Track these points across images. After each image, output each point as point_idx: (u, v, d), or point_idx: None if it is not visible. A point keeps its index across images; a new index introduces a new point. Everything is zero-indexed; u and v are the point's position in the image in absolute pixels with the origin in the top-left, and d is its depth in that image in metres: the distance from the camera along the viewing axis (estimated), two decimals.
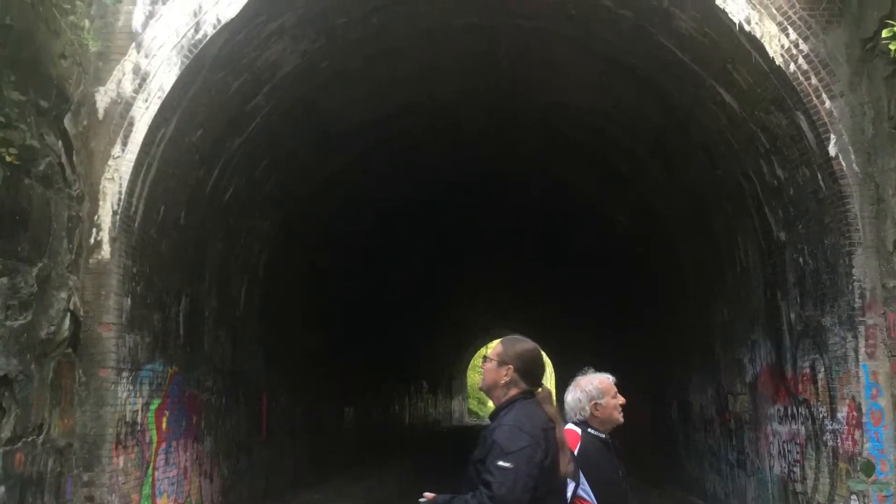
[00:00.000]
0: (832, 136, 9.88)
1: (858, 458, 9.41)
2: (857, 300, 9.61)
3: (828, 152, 9.89)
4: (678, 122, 13.35)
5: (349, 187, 18.17)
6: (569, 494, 4.53)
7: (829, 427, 10.24)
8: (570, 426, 4.90)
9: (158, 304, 11.08)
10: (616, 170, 16.99)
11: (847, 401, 9.74)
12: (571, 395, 5.03)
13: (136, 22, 10.19)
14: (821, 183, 10.16)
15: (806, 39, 10.03)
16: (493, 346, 4.58)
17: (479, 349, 55.64)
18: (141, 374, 10.45)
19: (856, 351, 9.58)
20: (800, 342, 11.20)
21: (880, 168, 9.54)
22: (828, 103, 9.93)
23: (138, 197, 10.22)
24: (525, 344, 4.49)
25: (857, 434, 9.55)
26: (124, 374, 9.96)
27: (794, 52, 10.02)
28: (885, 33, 8.88)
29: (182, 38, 10.19)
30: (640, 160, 15.86)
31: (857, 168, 9.78)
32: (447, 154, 18.51)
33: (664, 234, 17.03)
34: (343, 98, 14.27)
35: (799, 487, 11.21)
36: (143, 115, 10.06)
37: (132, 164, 9.98)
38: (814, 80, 9.97)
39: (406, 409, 36.64)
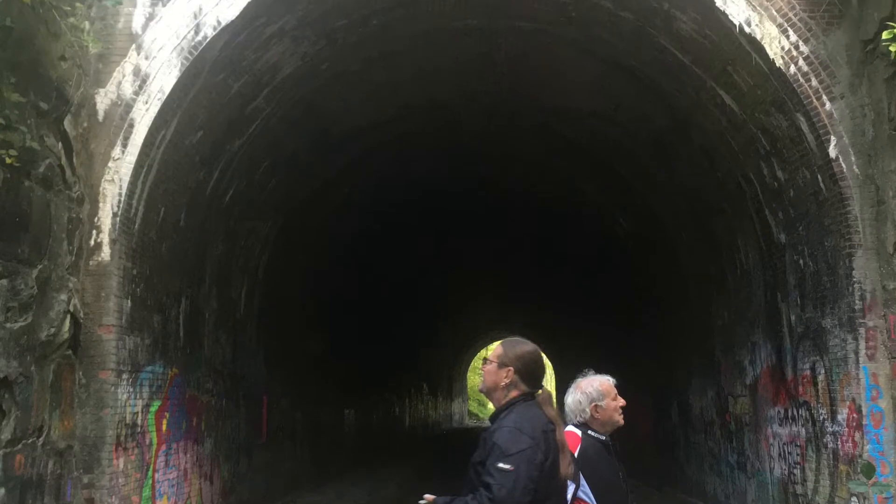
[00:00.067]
0: (832, 137, 9.88)
1: (859, 460, 9.41)
2: (857, 302, 9.62)
3: (828, 154, 9.89)
4: (678, 124, 13.35)
5: (349, 189, 18.18)
6: (569, 496, 4.52)
7: (830, 429, 10.24)
8: (570, 428, 4.90)
9: (158, 306, 11.08)
10: (616, 172, 16.98)
11: (847, 403, 9.74)
12: (571, 397, 5.03)
13: (136, 24, 10.19)
14: (821, 185, 10.16)
15: (806, 41, 10.03)
16: (494, 348, 4.57)
17: (479, 351, 55.65)
18: (141, 376, 10.44)
19: (856, 353, 9.58)
20: (800, 344, 11.19)
21: (881, 170, 9.54)
22: (828, 105, 9.93)
23: (138, 199, 10.22)
24: (525, 346, 4.49)
25: (857, 436, 9.55)
26: (124, 376, 9.95)
27: (795, 53, 10.02)
28: (885, 35, 8.89)
29: (182, 39, 10.19)
30: (640, 162, 15.85)
31: (857, 170, 9.78)
32: (447, 156, 18.51)
33: (664, 236, 17.02)
34: (343, 100, 14.28)
35: (799, 489, 11.20)
36: (144, 117, 10.06)
37: (132, 166, 9.98)
38: (814, 82, 9.98)
39: (406, 411, 36.63)
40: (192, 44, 10.20)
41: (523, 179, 20.13)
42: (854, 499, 9.54)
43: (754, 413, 13.04)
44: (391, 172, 18.57)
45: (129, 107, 10.05)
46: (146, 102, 10.08)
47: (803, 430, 11.09)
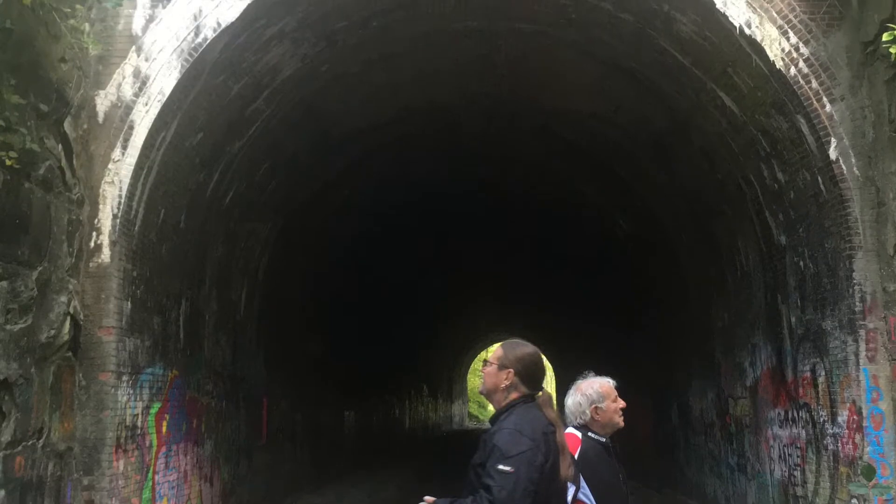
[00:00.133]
0: (833, 139, 9.88)
1: (859, 462, 9.40)
2: (857, 304, 9.62)
3: (828, 156, 9.89)
4: (679, 125, 13.35)
5: (349, 191, 18.18)
6: (569, 498, 4.52)
7: (830, 431, 10.24)
8: (570, 430, 4.90)
9: (158, 307, 11.08)
10: (616, 174, 16.99)
11: (848, 405, 9.74)
12: (572, 399, 5.03)
13: (137, 25, 10.20)
14: (821, 186, 10.16)
15: (806, 43, 10.04)
16: (494, 350, 4.57)
17: (479, 353, 55.64)
18: (141, 378, 10.44)
19: (856, 355, 9.58)
20: (800, 346, 11.19)
21: (881, 171, 9.55)
22: (828, 107, 9.93)
23: (138, 201, 10.22)
24: (525, 348, 4.48)
25: (857, 438, 9.54)
26: (124, 377, 9.95)
27: (795, 55, 10.02)
28: (885, 37, 8.90)
29: (182, 41, 10.19)
30: (640, 164, 15.85)
31: (857, 171, 9.79)
32: (446, 158, 18.51)
33: (664, 238, 17.02)
34: (343, 102, 14.28)
35: (799, 491, 11.20)
36: (144, 119, 10.07)
37: (132, 168, 9.98)
38: (814, 84, 9.98)
39: (406, 413, 36.63)
40: (192, 45, 10.20)
41: (523, 181, 20.13)
42: (854, 501, 9.54)
43: (754, 415, 13.04)
44: (391, 174, 18.57)
45: (129, 108, 10.05)
46: (146, 104, 10.08)
47: (803, 431, 11.09)
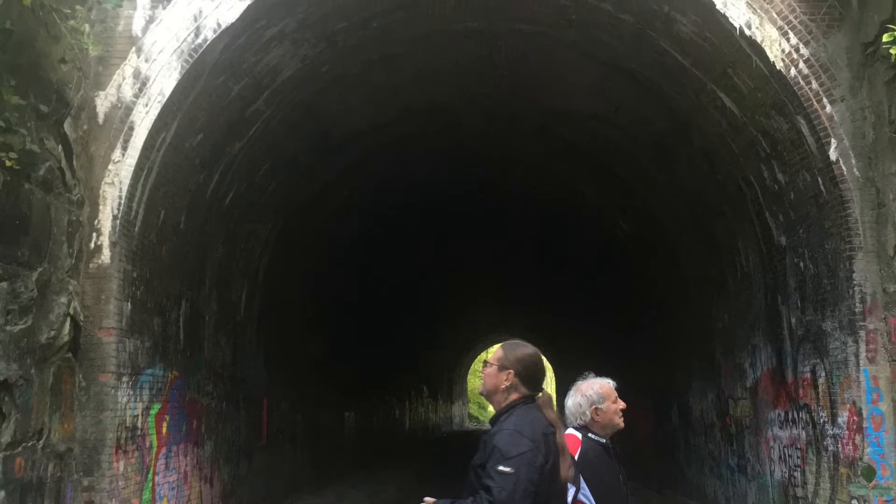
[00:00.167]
0: (833, 140, 9.88)
1: (859, 463, 9.40)
2: (857, 305, 9.62)
3: (828, 157, 9.90)
4: (679, 126, 13.36)
5: (349, 192, 18.18)
6: (569, 499, 4.51)
7: (830, 432, 10.23)
8: (570, 431, 4.90)
9: (158, 308, 11.08)
10: (616, 175, 16.99)
11: (848, 406, 9.74)
12: (572, 400, 5.02)
13: (137, 26, 10.19)
14: (821, 187, 10.16)
15: (807, 44, 10.04)
16: (494, 351, 4.57)
17: (479, 354, 55.65)
18: (141, 379, 10.44)
19: (856, 356, 9.58)
20: (800, 347, 11.19)
21: (881, 172, 9.55)
22: (828, 108, 9.93)
23: (138, 201, 10.22)
24: (525, 348, 4.48)
25: (857, 439, 9.54)
26: (124, 378, 9.95)
27: (795, 56, 10.02)
28: (885, 38, 8.90)
29: (182, 42, 10.19)
30: (640, 165, 15.85)
31: (857, 172, 9.79)
32: (447, 159, 18.51)
33: (665, 238, 17.02)
34: (343, 103, 14.28)
35: (800, 492, 11.20)
36: (144, 120, 10.07)
37: (132, 169, 9.98)
38: (814, 85, 9.98)
39: (406, 414, 36.62)
40: (192, 46, 10.20)
41: (523, 182, 20.13)
42: (854, 501, 9.54)
43: (755, 416, 13.03)
44: (391, 175, 18.57)
45: (129, 109, 10.05)
46: (146, 105, 10.08)
47: (804, 432, 11.09)
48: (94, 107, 9.99)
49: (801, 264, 11.03)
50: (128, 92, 10.08)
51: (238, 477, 14.39)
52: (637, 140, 15.05)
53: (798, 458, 11.26)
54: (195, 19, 10.20)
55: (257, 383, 15.58)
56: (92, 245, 9.76)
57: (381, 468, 25.59)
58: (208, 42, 10.23)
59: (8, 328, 8.03)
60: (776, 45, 10.04)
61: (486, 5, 12.04)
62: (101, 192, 9.88)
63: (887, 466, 9.26)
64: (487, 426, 4.49)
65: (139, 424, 10.33)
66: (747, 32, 10.07)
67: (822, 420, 10.50)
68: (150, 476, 10.63)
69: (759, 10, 10.05)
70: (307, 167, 15.56)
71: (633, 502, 5.16)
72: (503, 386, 4.39)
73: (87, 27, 9.56)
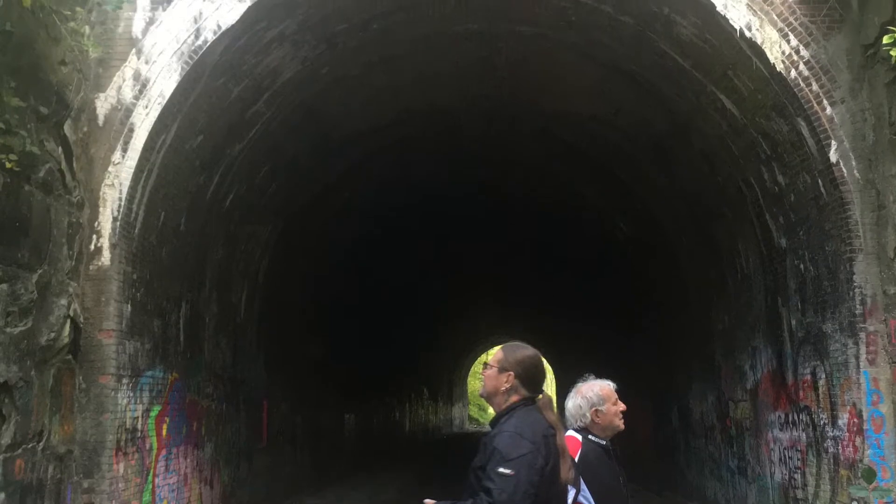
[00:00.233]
0: (833, 142, 9.88)
1: (859, 465, 9.39)
2: (857, 307, 9.62)
3: (829, 159, 9.89)
4: (679, 128, 13.35)
5: (349, 194, 18.18)
6: (569, 501, 4.51)
7: (830, 434, 10.23)
8: (570, 433, 4.89)
9: (158, 310, 11.07)
10: (616, 177, 16.99)
11: (848, 407, 9.73)
12: (572, 402, 5.02)
13: (137, 28, 10.19)
14: (822, 189, 10.16)
15: (807, 45, 10.03)
16: (494, 353, 4.56)
17: (479, 356, 55.64)
18: (141, 381, 10.43)
19: (857, 357, 9.57)
20: (801, 349, 11.18)
21: (881, 174, 9.54)
22: (829, 109, 9.93)
23: (138, 203, 10.22)
24: (525, 350, 4.47)
25: (858, 441, 9.53)
26: (124, 380, 9.94)
27: (795, 58, 10.02)
28: (885, 39, 8.90)
29: (182, 44, 10.19)
30: (640, 167, 15.85)
31: (857, 174, 9.78)
32: (447, 161, 18.51)
33: (665, 240, 17.02)
34: (343, 104, 14.28)
35: (800, 494, 11.19)
36: (144, 122, 10.06)
37: (132, 171, 9.98)
38: (815, 87, 9.98)
39: (406, 416, 36.61)
40: (193, 48, 10.20)
41: (523, 184, 20.13)
42: (854, 503, 9.53)
43: (755, 418, 13.03)
44: (391, 177, 18.57)
45: (129, 111, 10.05)
46: (146, 107, 10.08)
47: (804, 434, 11.08)
48: (94, 108, 9.98)
49: (802, 266, 11.03)
50: (128, 94, 10.08)
51: (238, 479, 14.38)
52: (637, 142, 15.04)
53: (798, 460, 11.25)
54: (195, 21, 10.20)
55: (257, 385, 15.57)
56: (92, 247, 9.76)
57: (382, 470, 25.59)
58: (208, 44, 10.23)
59: (8, 330, 8.03)
60: (776, 46, 10.04)
61: (486, 7, 12.04)
62: (101, 193, 9.88)
63: (887, 468, 9.26)
64: (487, 428, 4.48)
65: (139, 426, 10.33)
66: (748, 34, 10.07)
67: (822, 422, 10.49)
68: (150, 478, 10.63)
69: (759, 12, 10.05)
70: (307, 169, 15.55)
71: None
72: (503, 388, 4.38)
73: (87, 29, 9.55)
